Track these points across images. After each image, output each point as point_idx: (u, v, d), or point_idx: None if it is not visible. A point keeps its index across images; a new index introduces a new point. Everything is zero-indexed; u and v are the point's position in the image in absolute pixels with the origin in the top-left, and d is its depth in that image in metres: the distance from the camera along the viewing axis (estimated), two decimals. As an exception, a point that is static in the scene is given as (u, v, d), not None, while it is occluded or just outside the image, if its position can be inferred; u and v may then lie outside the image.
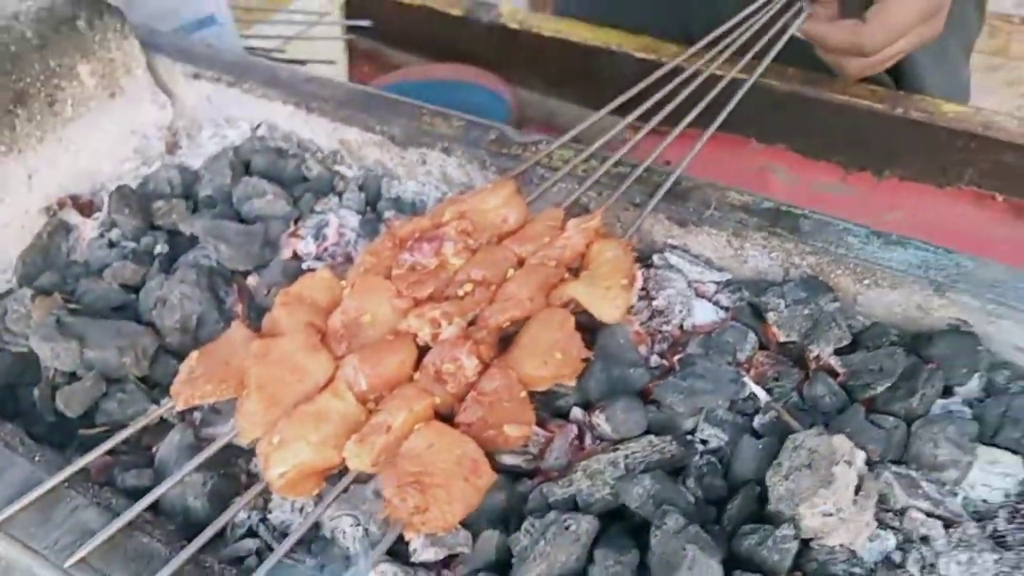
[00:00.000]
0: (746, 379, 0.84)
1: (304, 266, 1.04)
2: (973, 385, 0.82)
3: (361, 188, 1.13)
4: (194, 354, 0.85)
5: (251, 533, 0.81)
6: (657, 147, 1.01)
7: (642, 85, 1.08)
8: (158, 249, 1.04)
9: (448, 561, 0.76)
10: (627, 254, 0.89)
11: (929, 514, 0.75)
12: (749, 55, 1.16)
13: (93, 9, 1.18)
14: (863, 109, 1.35)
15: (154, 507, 0.81)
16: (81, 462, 0.80)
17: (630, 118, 1.05)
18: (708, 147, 1.07)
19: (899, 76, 1.47)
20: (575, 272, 0.90)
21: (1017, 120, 1.29)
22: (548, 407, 0.87)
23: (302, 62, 1.79)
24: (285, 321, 0.86)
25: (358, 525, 0.76)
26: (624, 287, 0.86)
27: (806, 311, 0.86)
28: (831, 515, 0.70)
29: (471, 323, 0.86)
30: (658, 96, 1.07)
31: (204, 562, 0.73)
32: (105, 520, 0.75)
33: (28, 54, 1.11)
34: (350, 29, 1.93)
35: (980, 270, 0.85)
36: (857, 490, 0.72)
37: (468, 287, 0.87)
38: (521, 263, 0.91)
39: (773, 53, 1.19)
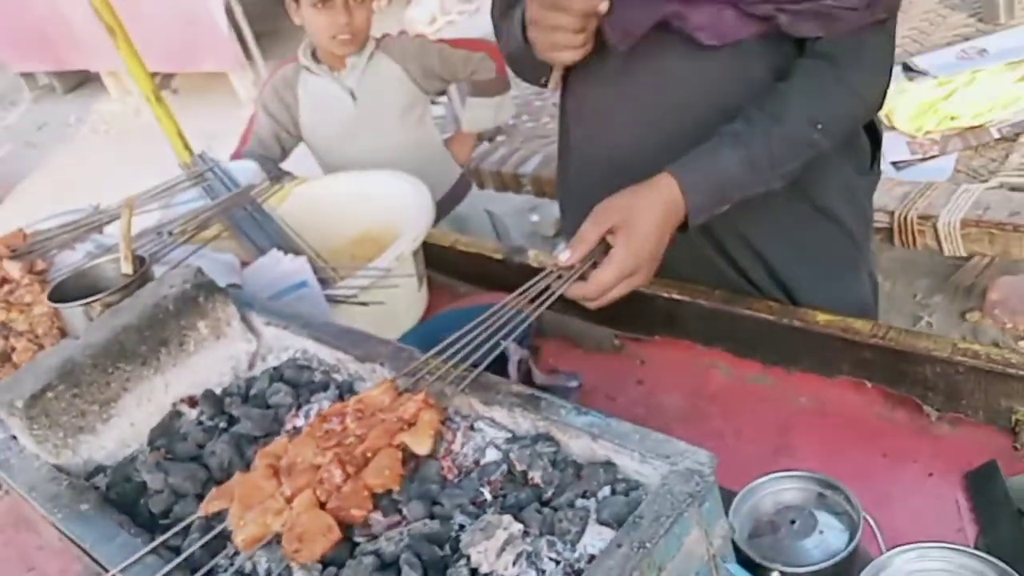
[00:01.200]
0: (484, 490, 1.44)
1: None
2: (604, 492, 1.37)
3: (338, 387, 1.86)
4: (214, 489, 1.56)
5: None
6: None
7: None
8: (220, 424, 1.80)
9: (307, 582, 1.40)
10: (437, 415, 1.53)
11: (557, 561, 1.30)
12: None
13: (208, 291, 2.02)
14: (763, 320, 1.80)
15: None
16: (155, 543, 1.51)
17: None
18: (669, 349, 1.70)
19: (792, 296, 1.96)
20: (410, 424, 1.55)
21: (871, 324, 1.71)
22: (393, 505, 1.50)
23: (380, 302, 2.58)
24: (257, 463, 1.57)
25: (268, 561, 1.42)
26: (431, 435, 1.50)
27: (529, 451, 1.46)
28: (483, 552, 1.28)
29: (349, 454, 1.53)
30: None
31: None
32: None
33: (170, 319, 1.95)
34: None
35: (617, 426, 1.42)
36: (506, 544, 1.30)
37: (352, 438, 1.55)
38: (383, 422, 1.57)
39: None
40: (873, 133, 1.82)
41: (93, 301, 1.82)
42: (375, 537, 1.43)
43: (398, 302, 2.46)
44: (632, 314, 2.03)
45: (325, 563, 1.38)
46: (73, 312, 1.84)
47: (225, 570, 1.47)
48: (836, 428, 1.68)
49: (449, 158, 3.46)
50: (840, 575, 1.17)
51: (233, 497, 1.52)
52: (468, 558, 1.29)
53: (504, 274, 2.32)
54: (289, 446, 1.59)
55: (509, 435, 1.56)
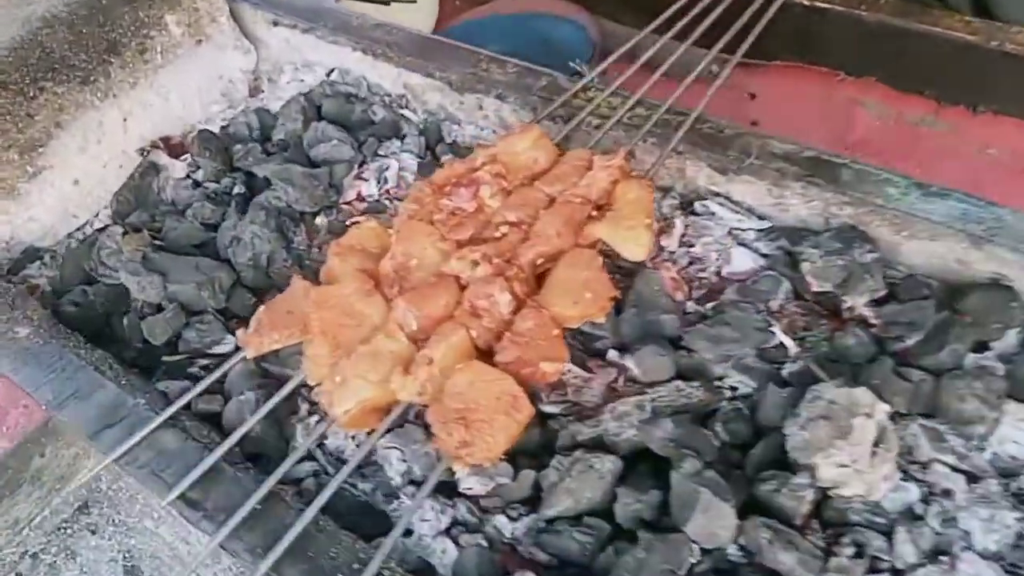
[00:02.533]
0: (775, 328, 0.80)
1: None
2: (1010, 340, 0.76)
3: (422, 133, 1.11)
4: (261, 308, 0.85)
5: (309, 457, 0.83)
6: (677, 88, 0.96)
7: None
8: (235, 190, 1.06)
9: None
10: (648, 193, 0.85)
11: (954, 468, 0.71)
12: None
13: (177, -39, 1.17)
14: (957, 41, 1.25)
15: (218, 425, 0.84)
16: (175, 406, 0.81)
17: (684, 46, 1.00)
18: (794, 78, 1.00)
19: (985, 7, 1.35)
20: (602, 210, 0.87)
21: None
22: (587, 348, 0.86)
23: (386, 2, 1.77)
24: (339, 269, 0.86)
25: (404, 460, 0.77)
26: (647, 226, 0.82)
27: (841, 261, 0.82)
28: (846, 466, 0.67)
29: (507, 261, 0.84)
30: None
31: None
32: (187, 447, 0.78)
33: (118, 6, 1.12)
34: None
35: (1021, 223, 0.78)
36: (877, 443, 0.69)
37: (504, 228, 0.86)
38: (552, 202, 0.88)
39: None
40: None
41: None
42: (582, 411, 0.79)
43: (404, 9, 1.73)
44: (742, 27, 1.29)
45: (514, 462, 0.75)
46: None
47: (320, 473, 0.82)
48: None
49: None
50: None
51: (305, 327, 0.82)
52: (808, 469, 0.67)
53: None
54: (390, 236, 0.88)
55: (762, 226, 0.89)
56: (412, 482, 0.77)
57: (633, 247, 0.82)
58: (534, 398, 0.77)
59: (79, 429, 0.84)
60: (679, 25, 1.07)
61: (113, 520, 0.90)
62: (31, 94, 1.03)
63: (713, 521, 0.67)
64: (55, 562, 0.88)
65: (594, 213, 0.87)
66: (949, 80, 1.34)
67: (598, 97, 0.99)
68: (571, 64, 1.34)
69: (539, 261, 0.84)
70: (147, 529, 0.88)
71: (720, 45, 1.03)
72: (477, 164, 0.91)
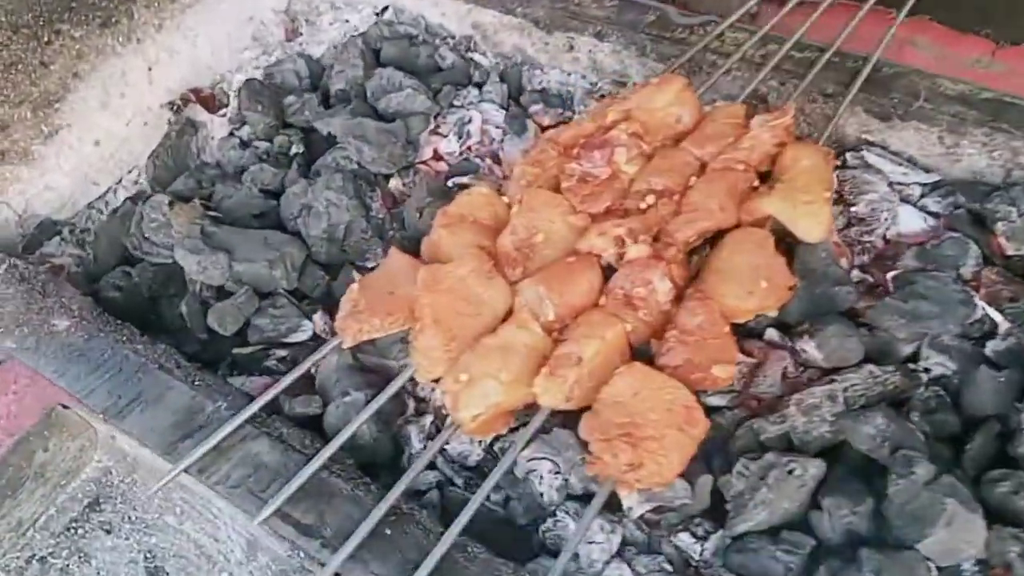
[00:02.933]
0: (978, 300, 0.69)
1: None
2: None
3: (502, 79, 0.97)
4: (354, 286, 0.71)
5: (430, 465, 0.70)
6: (847, 23, 0.83)
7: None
8: (294, 149, 0.91)
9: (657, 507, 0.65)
10: (827, 162, 0.72)
11: None
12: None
13: None
14: None
15: (318, 428, 0.71)
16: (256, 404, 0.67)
17: None
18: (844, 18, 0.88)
19: None
20: (763, 178, 0.74)
21: None
22: (737, 326, 0.74)
23: None
24: (449, 244, 0.72)
25: (557, 473, 0.64)
26: (827, 200, 0.70)
27: (1040, 219, 0.70)
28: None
29: (655, 239, 0.71)
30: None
31: (397, 507, 0.62)
32: (285, 459, 0.64)
33: (139, -67, 0.95)
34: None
35: None
36: None
37: (650, 199, 0.72)
38: (703, 168, 0.75)
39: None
40: None
41: None
42: (748, 407, 0.67)
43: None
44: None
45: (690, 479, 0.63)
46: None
47: (444, 484, 0.69)
48: None
49: None
50: None
51: (412, 312, 0.69)
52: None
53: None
54: (509, 206, 0.75)
55: (929, 180, 0.77)
56: (571, 497, 0.65)
57: (812, 225, 0.70)
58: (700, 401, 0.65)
59: (84, 418, 0.70)
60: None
61: (129, 517, 0.78)
62: (46, 38, 0.87)
63: (959, 536, 0.57)
64: (67, 566, 0.76)
65: (755, 182, 0.74)
66: (1008, 19, 1.23)
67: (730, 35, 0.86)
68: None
69: (695, 240, 0.71)
70: (169, 526, 0.75)
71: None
72: (608, 122, 0.77)
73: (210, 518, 0.69)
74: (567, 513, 0.64)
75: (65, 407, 0.75)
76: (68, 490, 0.79)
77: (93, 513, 0.78)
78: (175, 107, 0.99)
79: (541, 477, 0.65)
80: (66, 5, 0.88)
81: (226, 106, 1.00)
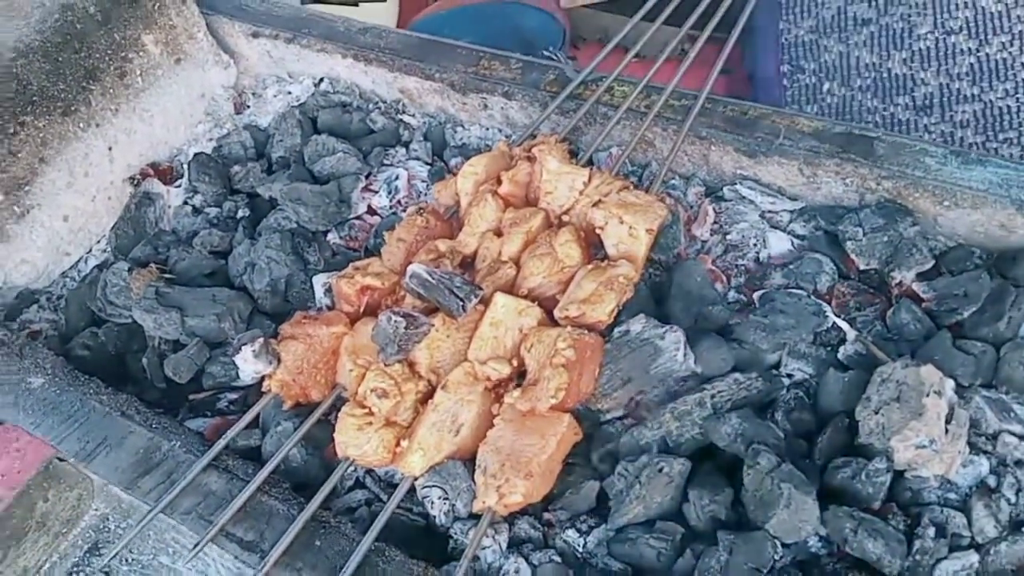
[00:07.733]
0: (828, 311, 0.80)
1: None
2: (1058, 306, 0.77)
3: (426, 137, 1.09)
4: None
5: (359, 485, 0.81)
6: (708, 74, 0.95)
7: None
8: (240, 213, 1.03)
9: (547, 505, 0.76)
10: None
11: (1022, 437, 0.72)
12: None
13: (150, -22, 1.14)
14: None
15: (257, 458, 0.82)
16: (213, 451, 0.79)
17: (686, 26, 1.00)
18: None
19: None
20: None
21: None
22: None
23: (355, 2, 1.76)
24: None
25: (445, 499, 0.75)
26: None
27: (885, 237, 0.82)
28: (924, 447, 0.68)
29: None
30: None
31: (321, 517, 0.73)
32: (230, 486, 0.76)
33: (93, 30, 1.08)
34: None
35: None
36: (948, 419, 0.69)
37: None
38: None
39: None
40: None
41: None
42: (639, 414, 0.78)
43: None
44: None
45: (571, 472, 0.74)
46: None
47: (372, 500, 0.80)
48: None
49: None
50: None
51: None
52: (885, 454, 0.68)
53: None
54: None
55: (794, 207, 0.89)
56: (458, 519, 0.76)
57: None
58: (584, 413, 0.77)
59: (80, 470, 0.81)
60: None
61: (127, 559, 0.87)
62: (11, 130, 1.00)
63: (796, 516, 0.67)
64: (71, 610, 0.85)
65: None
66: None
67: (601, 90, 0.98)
68: (544, 52, 1.33)
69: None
70: (164, 565, 0.85)
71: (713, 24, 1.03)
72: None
73: (200, 556, 0.78)
74: (460, 531, 0.75)
75: (61, 459, 0.86)
76: (69, 537, 0.89)
77: (93, 558, 0.88)
78: (135, 181, 1.12)
79: (432, 503, 0.76)
80: (28, 99, 1.00)
81: (182, 177, 1.13)
